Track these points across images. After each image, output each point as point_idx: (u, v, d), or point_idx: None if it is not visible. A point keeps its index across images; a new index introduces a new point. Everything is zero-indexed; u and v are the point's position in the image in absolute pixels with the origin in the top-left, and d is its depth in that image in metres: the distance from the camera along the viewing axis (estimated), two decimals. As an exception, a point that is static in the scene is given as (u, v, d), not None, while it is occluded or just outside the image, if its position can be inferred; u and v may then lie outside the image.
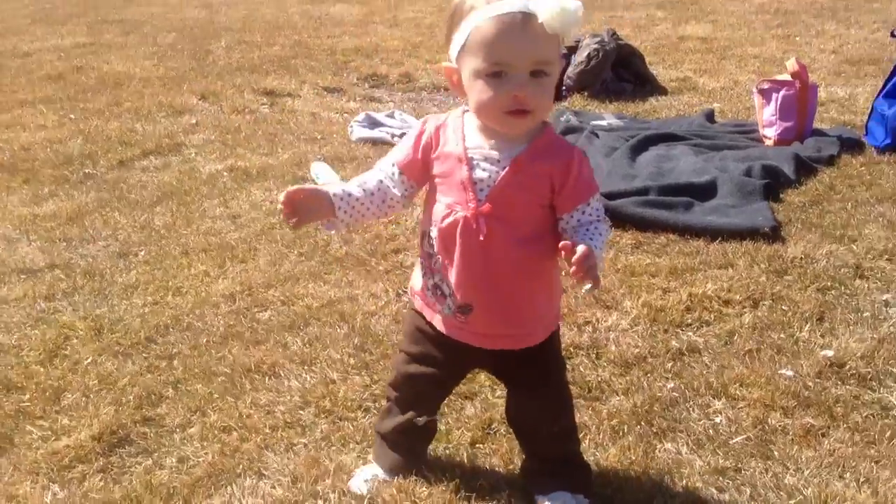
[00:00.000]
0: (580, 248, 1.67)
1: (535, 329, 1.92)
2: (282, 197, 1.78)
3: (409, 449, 2.08)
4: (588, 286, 1.72)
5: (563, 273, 1.90)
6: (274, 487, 2.08)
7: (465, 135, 1.81)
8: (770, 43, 7.37)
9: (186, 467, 2.16)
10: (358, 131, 4.89)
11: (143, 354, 2.67)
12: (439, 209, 1.82)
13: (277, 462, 2.17)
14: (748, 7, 9.14)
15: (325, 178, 4.19)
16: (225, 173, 4.33)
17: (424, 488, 2.04)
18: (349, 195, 1.84)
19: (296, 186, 1.80)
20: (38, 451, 2.23)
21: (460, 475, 2.09)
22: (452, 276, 1.84)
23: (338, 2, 9.93)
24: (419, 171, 1.85)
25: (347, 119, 5.20)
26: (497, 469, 2.12)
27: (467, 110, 1.83)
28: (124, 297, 3.05)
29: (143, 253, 3.41)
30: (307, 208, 1.80)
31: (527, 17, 1.66)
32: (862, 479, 2.07)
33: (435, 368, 1.97)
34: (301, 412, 2.37)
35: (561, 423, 2.02)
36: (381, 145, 4.71)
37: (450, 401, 2.33)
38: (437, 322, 1.92)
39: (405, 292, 3.04)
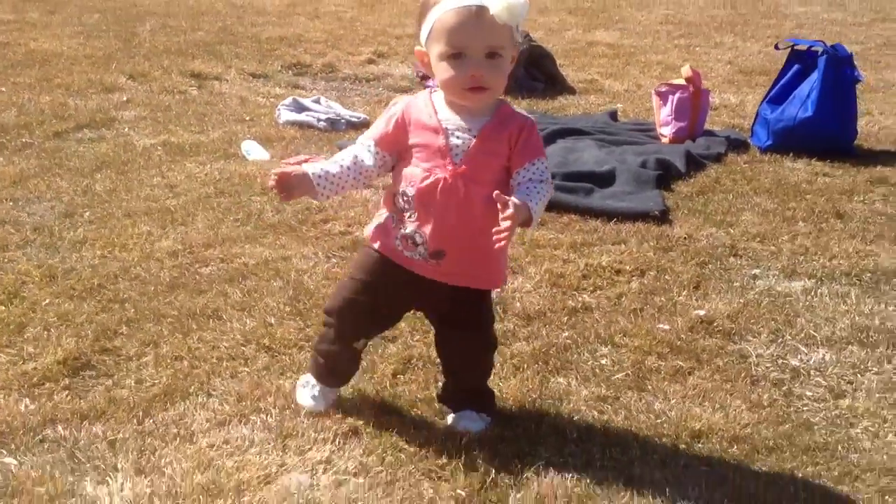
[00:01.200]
0: (512, 203, 2.00)
1: (493, 274, 2.29)
2: (273, 176, 2.11)
3: (344, 371, 2.39)
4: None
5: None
6: (222, 404, 2.39)
7: (436, 110, 2.16)
8: (672, 52, 7.88)
9: (144, 387, 2.47)
10: (285, 114, 5.18)
11: (97, 298, 2.95)
12: (416, 172, 2.15)
13: (224, 385, 2.49)
14: (655, 18, 9.68)
15: (255, 154, 4.48)
16: (159, 147, 4.58)
17: (355, 407, 2.39)
18: (327, 172, 2.16)
19: (283, 167, 2.13)
20: (8, 372, 2.50)
21: (384, 397, 2.45)
22: (428, 229, 2.16)
23: (261, -8, 10.16)
24: (391, 144, 2.19)
25: (274, 103, 5.48)
26: (415, 393, 2.47)
27: (435, 91, 2.19)
28: (74, 250, 3.31)
29: (87, 214, 3.66)
30: (293, 186, 2.14)
31: (481, 9, 2.02)
32: (717, 406, 2.49)
33: (378, 300, 2.25)
34: (243, 348, 2.69)
35: (485, 361, 2.40)
36: (308, 129, 5.01)
37: (375, 342, 2.67)
38: (403, 262, 2.21)
39: (334, 255, 3.37)
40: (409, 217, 2.19)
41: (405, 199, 2.18)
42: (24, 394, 2.41)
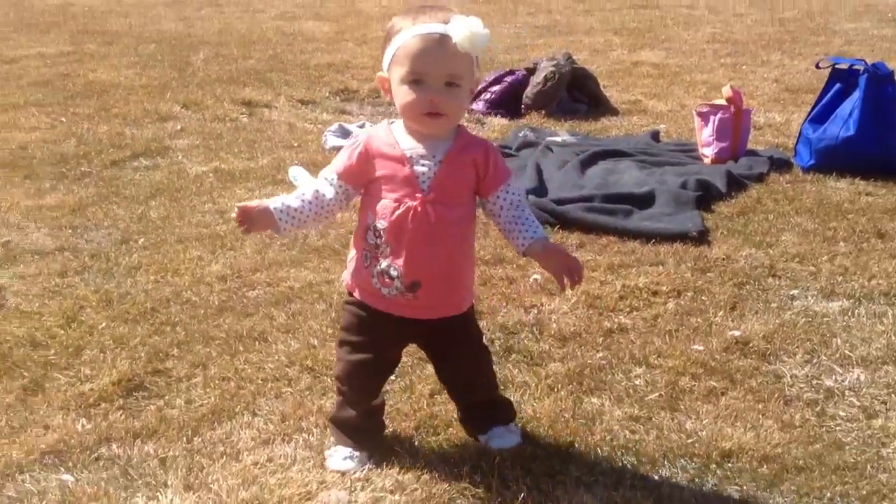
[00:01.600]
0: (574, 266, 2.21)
1: (466, 297, 2.35)
2: (235, 210, 2.18)
3: (374, 426, 2.43)
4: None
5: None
6: (266, 423, 2.51)
7: (397, 140, 2.20)
8: (718, 71, 7.87)
9: (193, 407, 2.59)
10: (331, 140, 5.32)
11: (150, 321, 3.09)
12: (386, 204, 2.18)
13: (269, 405, 2.60)
14: (701, 36, 9.68)
15: (302, 179, 4.61)
16: (210, 174, 4.74)
17: (392, 426, 2.49)
18: (288, 207, 2.21)
19: (245, 202, 2.20)
20: (67, 393, 2.64)
21: (420, 417, 2.54)
22: (401, 261, 2.18)
23: (310, 19, 10.37)
24: (354, 176, 2.22)
25: (321, 129, 5.62)
26: (451, 413, 2.55)
27: (393, 122, 2.26)
28: (129, 275, 3.46)
29: (142, 240, 3.82)
30: (255, 220, 2.20)
31: (443, 38, 2.08)
32: (749, 426, 2.54)
33: (376, 353, 2.30)
34: (287, 369, 2.80)
35: (485, 371, 2.46)
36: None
37: (413, 363, 2.77)
38: (381, 306, 2.25)
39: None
40: (382, 252, 2.21)
41: (376, 233, 2.21)
42: (81, 413, 2.55)
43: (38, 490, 2.23)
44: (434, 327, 2.31)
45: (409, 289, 2.22)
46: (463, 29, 2.07)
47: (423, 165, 2.18)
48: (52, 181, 4.58)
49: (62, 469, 2.31)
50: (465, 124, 5.77)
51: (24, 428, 2.48)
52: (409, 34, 2.12)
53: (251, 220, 2.20)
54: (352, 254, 2.32)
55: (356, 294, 2.31)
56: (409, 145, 2.20)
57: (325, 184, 2.25)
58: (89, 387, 2.66)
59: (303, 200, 2.23)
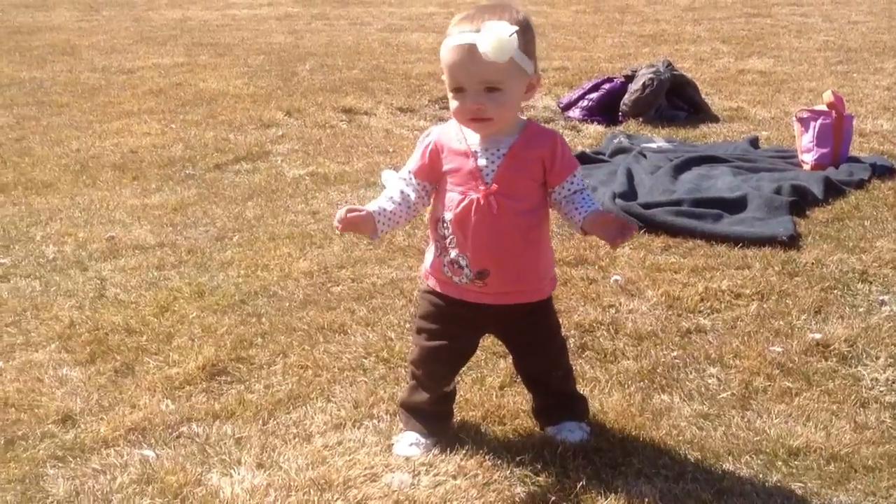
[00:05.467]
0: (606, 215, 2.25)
1: (541, 285, 2.39)
2: (339, 216, 2.24)
3: (443, 413, 2.49)
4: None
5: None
6: (339, 409, 2.60)
7: (465, 136, 2.28)
8: (828, 79, 7.67)
9: (271, 392, 2.70)
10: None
11: (238, 312, 3.23)
12: (453, 197, 2.26)
13: (343, 392, 2.69)
14: (813, 44, 9.45)
15: (391, 183, 4.71)
16: (307, 178, 4.90)
17: (459, 412, 2.55)
18: (385, 210, 2.30)
19: (350, 209, 2.24)
20: (154, 376, 2.80)
21: (488, 408, 2.58)
22: (469, 249, 2.26)
23: (415, 31, 10.55)
24: (427, 173, 2.31)
25: (417, 135, 5.71)
26: (518, 405, 2.60)
27: None
28: (221, 270, 3.62)
29: (236, 237, 3.99)
30: (357, 226, 2.28)
31: (472, 47, 2.12)
32: (820, 426, 2.50)
33: (451, 340, 2.36)
34: (364, 360, 2.89)
35: (562, 364, 2.50)
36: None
37: (486, 357, 2.83)
38: (455, 293, 2.33)
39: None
40: (450, 242, 2.29)
41: (444, 224, 2.29)
42: (167, 395, 2.69)
43: (121, 463, 2.37)
44: (510, 316, 2.36)
45: (478, 276, 2.29)
46: (489, 38, 2.09)
47: (487, 159, 2.25)
48: (158, 182, 4.81)
49: (144, 445, 2.45)
50: (562, 132, 5.85)
51: (113, 406, 2.64)
52: (446, 46, 2.20)
53: (354, 227, 2.28)
54: (430, 246, 2.41)
55: (431, 283, 2.39)
56: (476, 140, 2.27)
57: (405, 184, 2.34)
58: (176, 371, 2.81)
59: (395, 203, 2.32)
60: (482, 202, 2.23)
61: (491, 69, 2.13)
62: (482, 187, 2.24)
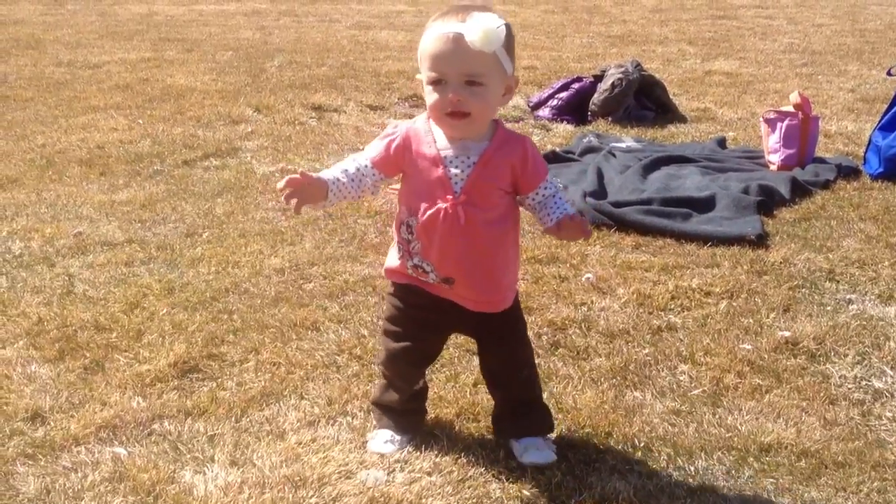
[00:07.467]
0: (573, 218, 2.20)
1: (507, 295, 2.33)
2: (282, 182, 2.10)
3: (416, 410, 2.48)
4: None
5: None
6: (313, 406, 2.59)
7: (435, 138, 2.20)
8: (793, 80, 7.77)
9: (243, 389, 2.68)
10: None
11: (209, 309, 3.20)
12: (418, 202, 2.19)
13: (316, 389, 2.68)
14: (778, 47, 9.56)
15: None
16: (277, 174, 4.85)
17: (433, 410, 2.54)
18: (338, 180, 2.19)
19: (298, 174, 2.14)
20: (125, 373, 2.76)
21: (462, 405, 2.58)
22: (434, 257, 2.21)
23: (384, 28, 10.53)
24: (387, 166, 2.23)
25: (388, 133, 5.71)
26: (492, 402, 2.59)
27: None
28: (191, 266, 3.59)
29: (206, 234, 3.95)
30: (308, 192, 2.15)
31: (458, 36, 2.07)
32: (791, 423, 2.53)
33: (416, 342, 2.34)
34: (337, 357, 2.88)
35: (527, 368, 2.43)
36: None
37: (459, 355, 2.83)
38: (425, 286, 2.27)
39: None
40: (413, 248, 2.24)
41: (409, 229, 2.24)
42: (138, 392, 2.66)
43: (92, 461, 2.34)
44: (476, 318, 2.32)
45: (444, 282, 2.27)
46: (477, 27, 2.06)
47: (457, 167, 2.19)
48: (126, 178, 4.76)
49: (116, 442, 2.42)
50: (531, 131, 5.87)
51: (83, 404, 2.60)
52: (429, 35, 2.13)
53: (303, 190, 2.15)
54: (393, 245, 2.35)
55: (396, 280, 2.35)
56: (445, 144, 2.20)
57: (360, 168, 2.24)
58: (146, 368, 2.78)
59: (348, 177, 2.21)
60: (450, 212, 2.18)
61: (475, 61, 2.08)
62: (450, 197, 2.18)
